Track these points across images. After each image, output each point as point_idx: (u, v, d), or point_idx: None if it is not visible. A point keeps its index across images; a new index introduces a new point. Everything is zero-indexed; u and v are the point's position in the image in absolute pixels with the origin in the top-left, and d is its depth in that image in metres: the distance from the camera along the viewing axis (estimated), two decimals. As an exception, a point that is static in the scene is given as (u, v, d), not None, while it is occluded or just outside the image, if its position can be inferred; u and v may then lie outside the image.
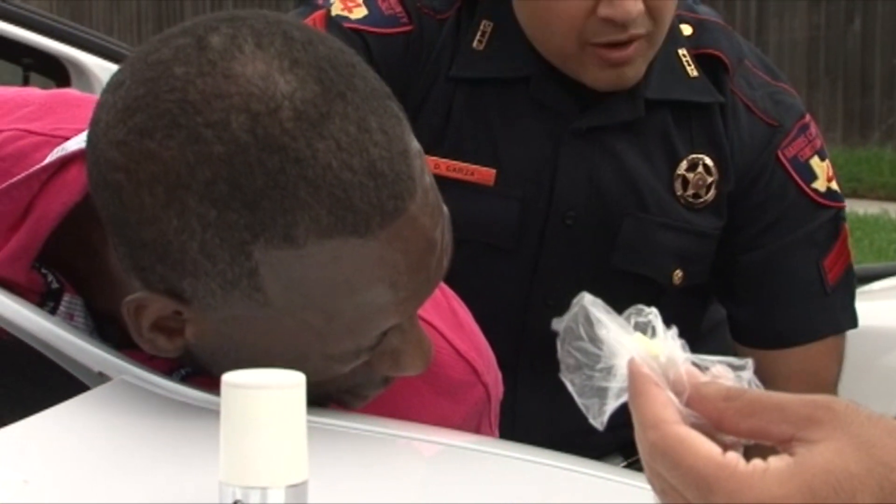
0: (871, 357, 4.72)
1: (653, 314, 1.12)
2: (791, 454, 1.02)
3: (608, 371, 1.08)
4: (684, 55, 2.63)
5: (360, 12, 2.55)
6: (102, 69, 3.48)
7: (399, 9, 2.58)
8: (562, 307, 2.52)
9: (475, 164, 2.47)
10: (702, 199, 2.60)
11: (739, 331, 2.77)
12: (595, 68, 2.49)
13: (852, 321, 2.76)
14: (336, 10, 2.56)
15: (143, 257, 1.45)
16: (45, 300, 1.68)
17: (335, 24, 2.52)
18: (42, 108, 1.78)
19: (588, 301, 1.12)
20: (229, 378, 1.19)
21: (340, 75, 1.43)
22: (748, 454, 1.05)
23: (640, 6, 2.40)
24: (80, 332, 1.63)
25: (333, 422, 1.47)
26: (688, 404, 1.06)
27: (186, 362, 1.54)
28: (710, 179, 2.60)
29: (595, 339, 1.10)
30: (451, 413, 1.62)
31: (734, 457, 1.02)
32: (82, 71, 3.46)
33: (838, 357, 2.72)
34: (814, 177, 2.65)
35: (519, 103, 2.57)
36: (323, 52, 1.45)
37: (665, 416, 1.04)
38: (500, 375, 1.80)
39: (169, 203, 1.39)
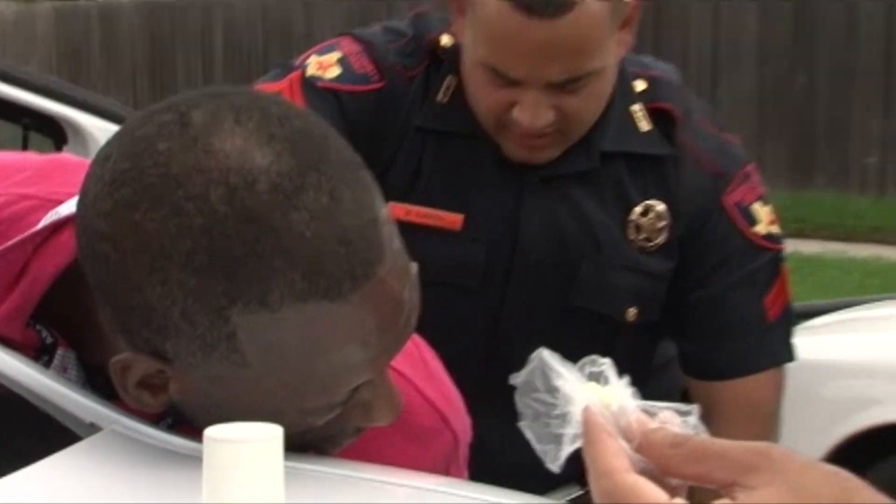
0: (813, 387, 4.76)
1: (606, 364, 1.15)
2: (732, 499, 1.02)
3: (563, 418, 1.09)
4: (637, 110, 2.63)
5: (334, 72, 2.57)
6: (97, 128, 3.47)
7: (370, 67, 2.59)
8: (526, 342, 2.52)
9: (444, 210, 2.49)
10: (653, 243, 2.61)
11: (688, 363, 2.79)
12: (512, 145, 2.53)
13: (790, 355, 2.79)
14: (311, 70, 2.57)
15: (129, 321, 1.45)
16: (40, 354, 1.67)
17: (310, 85, 2.54)
18: (38, 173, 1.78)
19: (545, 355, 1.14)
20: (211, 433, 1.17)
21: (314, 148, 1.43)
22: (692, 495, 1.07)
23: (548, 116, 2.44)
24: (72, 385, 1.62)
25: (311, 467, 1.46)
26: (637, 450, 1.06)
27: (171, 413, 1.52)
28: (661, 224, 2.61)
29: (551, 390, 1.11)
30: (421, 458, 1.60)
31: (679, 503, 1.03)
32: (78, 130, 3.45)
33: (778, 387, 2.76)
34: (755, 221, 2.68)
35: (484, 155, 2.58)
36: (298, 125, 1.45)
37: (616, 465, 1.04)
38: (468, 420, 1.79)
39: (152, 272, 1.39)
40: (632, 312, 2.63)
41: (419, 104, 2.60)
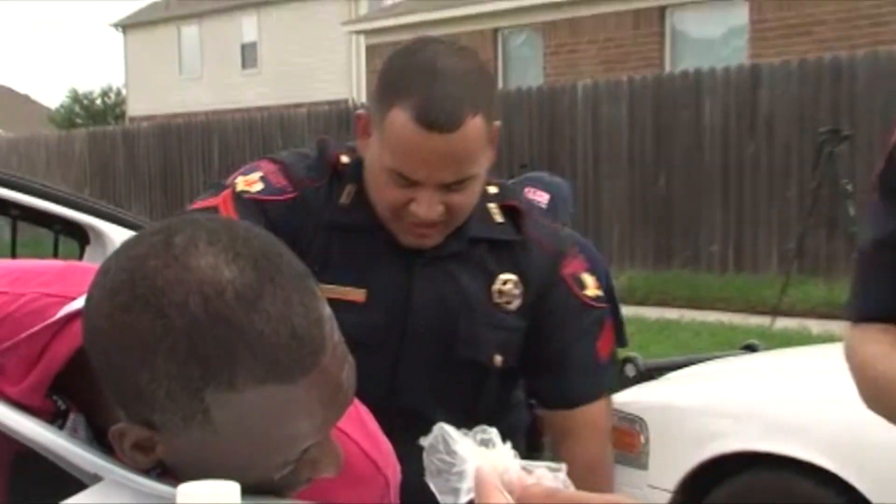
0: (674, 425, 4.76)
1: (493, 432, 1.14)
2: None
3: (460, 475, 1.11)
4: (492, 207, 2.71)
5: (257, 187, 2.62)
6: (115, 232, 3.52)
7: (285, 182, 2.64)
8: (419, 387, 2.64)
9: (351, 287, 2.56)
10: (512, 305, 2.70)
11: (541, 397, 2.91)
12: (405, 234, 2.59)
13: (615, 386, 3.01)
14: (239, 187, 2.61)
15: (124, 399, 1.45)
16: (56, 419, 1.64)
17: (240, 198, 2.57)
18: (57, 276, 1.75)
19: (445, 426, 1.14)
20: (181, 489, 1.21)
21: (271, 263, 1.44)
22: None
23: (439, 210, 2.51)
24: (80, 443, 1.59)
25: None
26: (518, 501, 1.07)
27: (158, 466, 1.50)
28: (516, 292, 2.70)
29: (451, 453, 1.12)
30: (359, 499, 1.62)
31: None
32: (98, 234, 3.52)
33: (609, 409, 2.86)
34: (585, 286, 2.78)
35: (381, 243, 2.63)
36: (257, 245, 1.45)
37: None
38: (397, 466, 1.79)
39: (143, 362, 1.39)
40: (498, 360, 2.70)
41: (326, 207, 2.65)
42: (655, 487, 4.73)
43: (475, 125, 2.45)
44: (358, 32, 28.36)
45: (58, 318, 1.60)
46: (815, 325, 11.95)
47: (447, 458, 1.14)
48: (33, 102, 73.05)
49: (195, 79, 39.07)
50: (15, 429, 1.59)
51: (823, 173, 13.45)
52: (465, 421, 1.19)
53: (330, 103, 25.68)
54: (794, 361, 5.82)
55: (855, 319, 2.20)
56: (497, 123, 2.55)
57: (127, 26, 43.73)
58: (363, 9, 32.62)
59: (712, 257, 15.91)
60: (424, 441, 1.17)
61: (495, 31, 23.45)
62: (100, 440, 1.60)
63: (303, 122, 20.82)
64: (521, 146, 17.39)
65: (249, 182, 2.62)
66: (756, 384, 5.11)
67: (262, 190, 2.61)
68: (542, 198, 4.91)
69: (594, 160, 16.79)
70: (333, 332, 1.47)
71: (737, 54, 18.96)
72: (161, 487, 1.46)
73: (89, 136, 27.43)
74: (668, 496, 4.67)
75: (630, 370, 5.52)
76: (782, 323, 12.46)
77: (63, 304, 1.62)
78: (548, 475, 1.11)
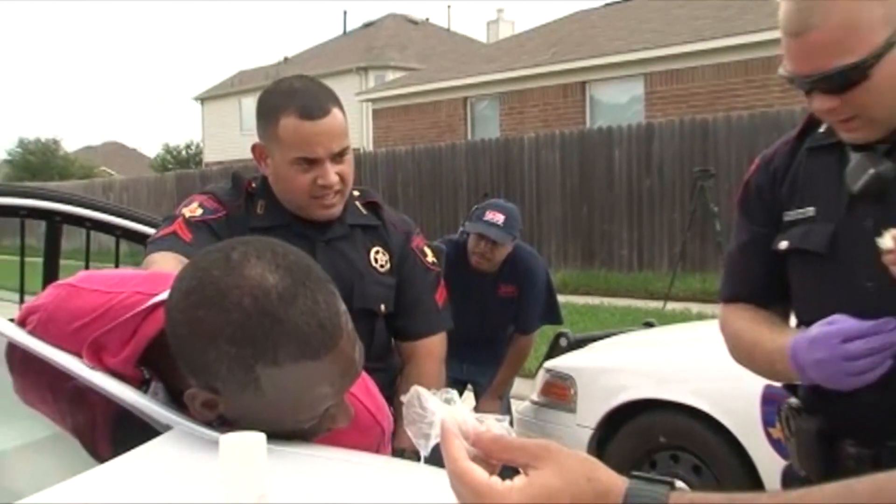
0: (595, 381, 4.77)
1: (454, 393, 1.15)
2: (526, 475, 1.03)
3: (430, 424, 1.12)
4: (359, 204, 2.82)
5: (199, 211, 2.63)
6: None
7: (216, 205, 2.67)
8: None
9: None
10: (384, 269, 2.79)
11: (398, 332, 2.89)
12: (318, 210, 2.66)
13: (448, 324, 2.97)
14: (187, 214, 2.62)
15: (195, 371, 1.45)
16: (142, 385, 1.65)
17: (189, 222, 2.59)
18: (143, 280, 1.76)
19: (419, 388, 1.15)
20: (222, 438, 1.19)
21: (303, 272, 1.46)
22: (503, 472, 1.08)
23: (336, 178, 2.59)
24: (159, 403, 1.60)
25: (299, 450, 1.48)
26: (473, 445, 1.08)
27: (219, 419, 1.51)
28: (384, 259, 2.79)
29: (423, 408, 1.13)
30: (362, 443, 1.62)
31: (496, 479, 1.04)
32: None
33: (443, 343, 2.91)
34: (426, 255, 2.89)
35: (289, 234, 2.58)
36: (292, 258, 1.47)
37: (459, 455, 1.05)
38: (391, 418, 1.81)
39: (209, 345, 1.40)
40: (382, 307, 2.78)
41: (248, 218, 2.68)
42: (582, 426, 4.73)
43: (337, 113, 2.60)
44: (366, 100, 28.37)
45: (145, 307, 1.60)
46: (694, 308, 11.96)
47: (419, 412, 1.14)
48: (139, 153, 73.06)
49: (251, 134, 38.64)
50: (114, 393, 1.58)
51: (697, 200, 13.53)
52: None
53: (348, 152, 25.63)
54: (680, 333, 5.88)
55: (724, 300, 2.22)
56: (344, 115, 2.69)
57: (204, 99, 43.76)
58: (370, 83, 32.62)
59: (622, 259, 15.93)
60: (403, 398, 1.16)
61: (465, 98, 23.43)
62: (174, 401, 1.61)
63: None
64: (484, 181, 17.39)
65: (192, 210, 2.65)
66: (653, 350, 5.14)
67: (203, 213, 2.64)
68: (499, 217, 4.86)
69: (537, 191, 16.83)
70: (348, 322, 1.48)
71: (637, 116, 18.99)
72: (210, 433, 1.47)
73: (176, 178, 27.48)
74: (590, 432, 4.68)
75: (563, 342, 5.48)
76: (671, 306, 12.47)
77: (148, 299, 1.61)
78: (495, 424, 1.12)
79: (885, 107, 1.82)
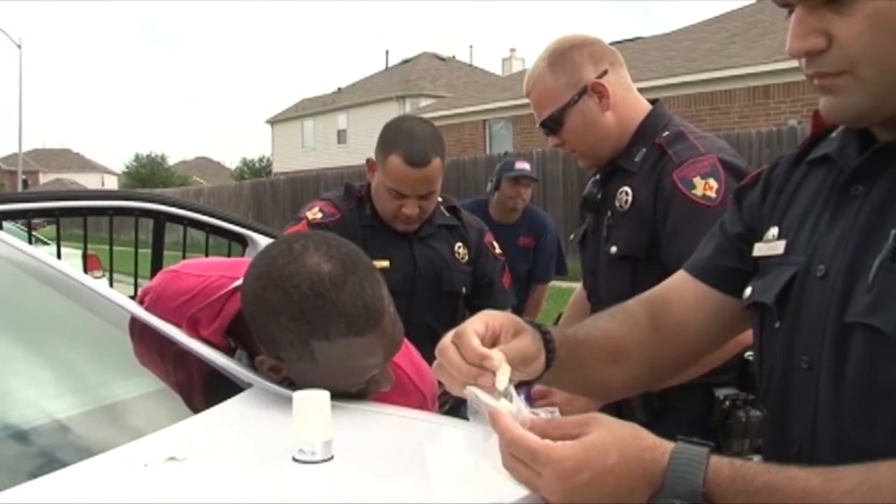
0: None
1: (511, 391, 1.05)
2: (579, 439, 0.95)
3: (488, 415, 1.01)
4: (442, 208, 2.79)
5: (319, 215, 2.63)
6: (262, 239, 3.51)
7: (333, 209, 2.67)
8: (425, 312, 2.61)
9: (380, 259, 2.50)
10: (465, 260, 2.75)
11: (475, 309, 2.81)
12: (399, 224, 2.64)
13: (513, 301, 2.92)
14: (310, 216, 2.64)
15: (263, 341, 1.45)
16: (230, 352, 1.65)
17: (311, 224, 2.60)
18: (229, 266, 1.77)
19: (475, 390, 1.05)
20: (297, 394, 1.20)
21: (352, 261, 1.43)
22: None
23: (417, 210, 2.58)
24: (243, 365, 1.60)
25: (353, 405, 1.44)
26: (529, 430, 0.97)
27: (286, 379, 1.50)
28: (463, 252, 2.76)
29: (480, 404, 1.03)
30: (405, 404, 1.56)
31: (550, 441, 0.95)
32: (253, 241, 3.54)
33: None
34: (496, 248, 2.90)
35: (390, 233, 2.65)
36: (344, 250, 1.44)
37: (511, 426, 0.97)
38: (435, 384, 1.72)
39: (273, 320, 1.39)
40: (463, 290, 2.74)
41: (360, 218, 2.67)
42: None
43: (436, 163, 2.55)
44: (405, 124, 28.17)
45: (229, 289, 1.62)
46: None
47: (478, 408, 1.04)
48: (222, 166, 73.24)
49: (310, 150, 38.94)
50: (209, 357, 1.59)
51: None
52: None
53: (389, 164, 25.57)
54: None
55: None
56: (444, 160, 2.62)
57: (273, 122, 43.66)
58: (407, 109, 32.49)
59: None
60: (467, 393, 1.07)
61: (484, 121, 23.40)
62: (254, 366, 1.60)
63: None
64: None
65: (314, 213, 2.65)
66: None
67: (322, 216, 2.64)
68: (526, 164, 5.07)
69: (543, 196, 16.66)
70: (390, 305, 1.45)
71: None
72: (286, 391, 1.45)
73: (251, 185, 27.40)
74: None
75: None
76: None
77: (233, 281, 1.62)
78: (547, 415, 1.03)
79: (584, 143, 2.20)
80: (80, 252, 4.15)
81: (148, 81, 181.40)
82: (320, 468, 1.14)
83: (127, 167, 64.08)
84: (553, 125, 2.19)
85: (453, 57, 42.33)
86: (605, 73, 2.15)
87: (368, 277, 1.43)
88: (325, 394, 1.19)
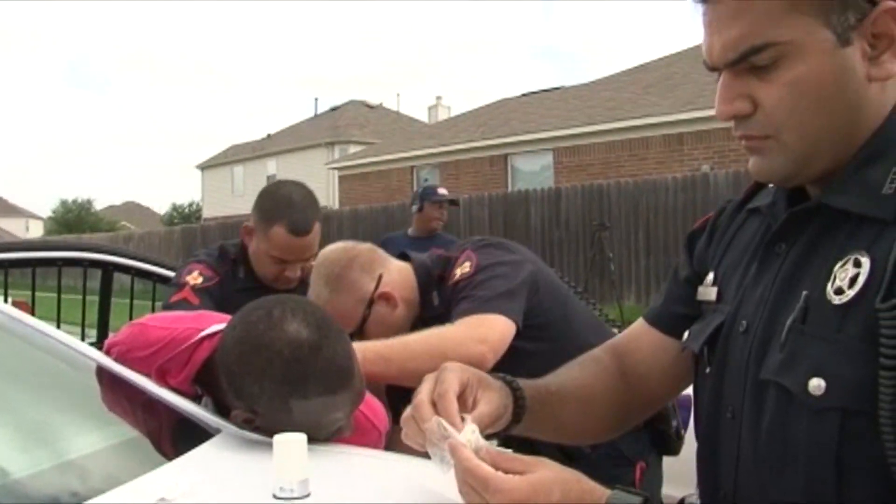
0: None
1: (468, 422, 1.09)
2: (526, 475, 0.99)
3: (447, 448, 1.05)
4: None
5: (200, 279, 2.56)
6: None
7: (211, 272, 2.61)
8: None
9: None
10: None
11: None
12: (278, 286, 2.57)
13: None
14: (191, 282, 2.56)
15: (241, 397, 1.49)
16: (196, 399, 1.69)
17: (195, 289, 2.55)
18: (193, 318, 1.79)
19: (440, 419, 1.08)
20: (277, 438, 1.24)
21: (327, 327, 1.49)
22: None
23: (298, 273, 2.57)
24: (210, 411, 1.63)
25: (326, 447, 1.48)
26: (482, 458, 1.02)
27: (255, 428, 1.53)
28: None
29: (443, 436, 1.06)
30: (362, 442, 1.60)
31: (501, 472, 0.99)
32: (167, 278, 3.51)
33: None
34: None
35: (265, 294, 2.60)
36: (319, 315, 1.51)
37: (468, 456, 1.02)
38: (388, 421, 1.77)
39: (255, 382, 1.45)
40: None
41: (234, 280, 2.64)
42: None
43: (317, 227, 2.56)
44: (333, 169, 28.17)
45: (196, 339, 1.65)
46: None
47: (440, 438, 1.07)
48: (152, 211, 72.12)
49: (240, 196, 38.55)
50: (177, 405, 1.62)
51: (596, 247, 13.62)
52: None
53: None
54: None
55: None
56: (321, 221, 2.60)
57: (204, 167, 43.27)
58: (336, 155, 32.53)
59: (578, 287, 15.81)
60: (425, 426, 1.10)
61: (412, 167, 23.42)
62: (219, 411, 1.63)
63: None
64: None
65: (194, 278, 2.59)
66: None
67: (203, 280, 2.58)
68: (444, 189, 5.87)
69: (502, 229, 16.75)
70: (357, 363, 1.52)
71: (547, 181, 18.96)
72: (257, 437, 1.48)
73: (182, 231, 27.05)
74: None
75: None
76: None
77: (199, 332, 1.66)
78: (502, 450, 1.06)
79: (387, 335, 2.02)
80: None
81: (77, 125, 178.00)
82: (298, 504, 1.20)
83: (53, 212, 62.69)
84: (357, 337, 2.16)
85: (381, 104, 42.52)
86: (381, 277, 2.21)
87: (341, 340, 1.49)
88: (303, 436, 1.25)
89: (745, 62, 1.02)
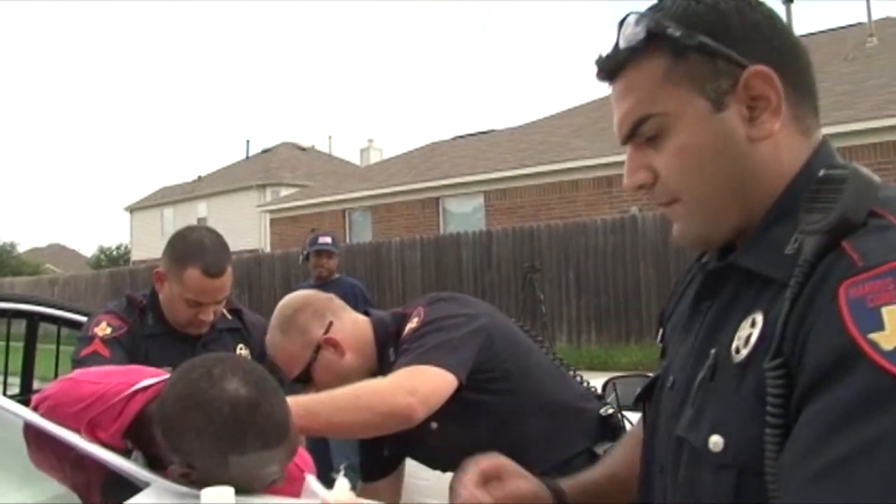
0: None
1: (340, 477, 1.20)
2: None
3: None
4: (224, 311, 2.81)
5: (108, 330, 2.60)
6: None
7: (119, 322, 2.63)
8: None
9: (160, 367, 2.40)
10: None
11: None
12: (192, 328, 2.66)
13: None
14: (100, 334, 2.58)
15: (179, 452, 1.51)
16: (126, 454, 1.69)
17: (104, 340, 2.57)
18: (124, 373, 1.80)
19: (309, 477, 1.26)
20: (204, 492, 1.31)
21: (266, 383, 1.53)
22: None
23: (212, 316, 2.66)
24: (140, 466, 1.65)
25: (249, 500, 1.49)
26: None
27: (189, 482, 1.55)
28: (247, 352, 2.79)
29: (313, 493, 1.21)
30: (292, 489, 1.61)
31: None
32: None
33: None
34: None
35: (174, 339, 2.67)
36: (258, 373, 1.54)
37: None
38: (313, 468, 1.79)
39: (195, 439, 1.47)
40: None
41: (143, 326, 2.66)
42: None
43: (229, 270, 2.63)
44: (265, 211, 27.90)
45: (128, 393, 1.67)
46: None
47: (310, 495, 1.20)
48: (78, 253, 70.52)
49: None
50: (105, 459, 1.64)
51: (527, 289, 13.74)
52: None
53: (249, 251, 25.12)
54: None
55: None
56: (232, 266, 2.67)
57: (133, 209, 42.66)
58: (268, 197, 32.37)
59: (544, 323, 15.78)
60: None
61: (344, 210, 23.39)
62: (150, 465, 1.65)
63: (236, 261, 19.70)
64: (359, 275, 17.01)
65: (102, 329, 2.60)
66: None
67: (112, 331, 2.60)
68: (328, 238, 6.09)
69: (402, 284, 16.69)
70: (291, 417, 1.56)
71: (479, 223, 19.16)
72: (182, 488, 1.51)
73: (110, 274, 26.53)
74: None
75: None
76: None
77: (130, 387, 1.68)
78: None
79: (337, 385, 2.04)
80: None
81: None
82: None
83: (-32, 255, 61.11)
84: (304, 380, 2.26)
85: (313, 146, 42.58)
86: (331, 324, 2.25)
87: (277, 397, 1.53)
88: (230, 490, 1.29)
89: (638, 135, 1.09)
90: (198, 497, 1.31)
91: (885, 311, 0.83)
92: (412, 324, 2.19)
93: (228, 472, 1.46)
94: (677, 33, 1.04)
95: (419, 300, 2.32)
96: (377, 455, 2.35)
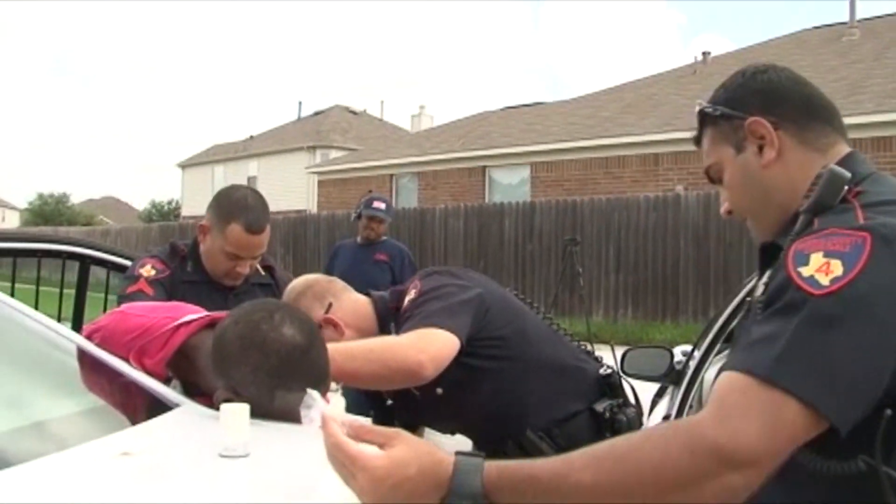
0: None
1: (339, 396, 1.36)
2: (387, 453, 1.15)
3: (315, 415, 1.33)
4: (258, 266, 2.92)
5: (153, 272, 2.78)
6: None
7: (162, 265, 2.78)
8: None
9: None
10: None
11: None
12: (228, 280, 2.80)
13: None
14: (144, 274, 2.74)
15: (229, 380, 1.67)
16: (167, 381, 1.86)
17: (148, 280, 2.72)
18: (169, 308, 1.98)
19: (311, 391, 1.39)
20: (225, 405, 1.44)
21: (314, 334, 1.72)
22: None
23: (248, 270, 2.79)
24: (175, 392, 1.82)
25: (268, 423, 1.61)
26: (347, 433, 1.17)
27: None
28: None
29: (312, 403, 1.35)
30: None
31: (363, 446, 1.15)
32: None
33: None
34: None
35: (209, 287, 2.77)
36: (310, 323, 1.73)
37: (336, 433, 1.16)
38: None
39: (249, 372, 1.65)
40: None
41: (182, 272, 2.80)
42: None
43: (268, 228, 2.77)
44: (313, 173, 27.85)
45: (171, 327, 1.83)
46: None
47: (309, 405, 1.35)
48: (130, 207, 71.37)
49: (222, 196, 38.37)
50: (149, 385, 1.79)
51: (567, 261, 13.65)
52: None
53: (297, 211, 25.37)
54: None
55: None
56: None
57: (185, 166, 42.94)
58: (317, 159, 32.31)
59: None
60: (309, 393, 1.38)
61: (392, 175, 23.40)
62: (185, 391, 1.81)
63: (283, 221, 19.73)
64: (403, 240, 17.06)
65: (147, 270, 2.76)
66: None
67: (156, 273, 2.76)
68: (381, 204, 6.12)
69: (444, 250, 16.75)
70: (329, 363, 1.73)
71: (524, 195, 19.06)
72: (204, 409, 1.68)
73: (160, 228, 26.86)
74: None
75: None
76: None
77: (174, 321, 1.84)
78: (360, 420, 1.25)
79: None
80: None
81: (58, 118, 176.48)
82: (240, 461, 1.41)
83: (29, 204, 62.19)
84: None
85: (364, 111, 42.40)
86: (331, 305, 2.38)
87: (323, 346, 1.72)
88: (246, 406, 1.45)
89: (713, 179, 1.56)
90: (218, 417, 1.46)
91: (812, 255, 1.19)
92: (410, 296, 2.36)
93: (272, 404, 1.62)
94: (707, 110, 1.52)
95: (415, 276, 2.50)
96: (381, 405, 2.53)
